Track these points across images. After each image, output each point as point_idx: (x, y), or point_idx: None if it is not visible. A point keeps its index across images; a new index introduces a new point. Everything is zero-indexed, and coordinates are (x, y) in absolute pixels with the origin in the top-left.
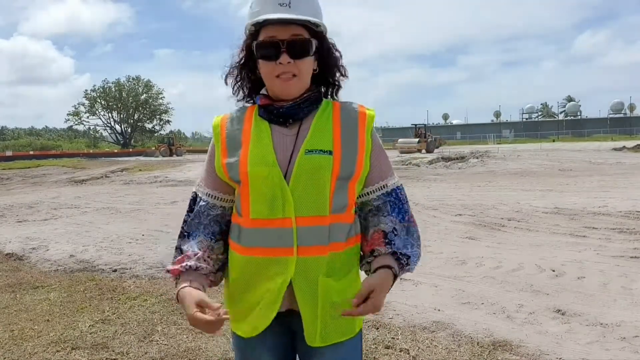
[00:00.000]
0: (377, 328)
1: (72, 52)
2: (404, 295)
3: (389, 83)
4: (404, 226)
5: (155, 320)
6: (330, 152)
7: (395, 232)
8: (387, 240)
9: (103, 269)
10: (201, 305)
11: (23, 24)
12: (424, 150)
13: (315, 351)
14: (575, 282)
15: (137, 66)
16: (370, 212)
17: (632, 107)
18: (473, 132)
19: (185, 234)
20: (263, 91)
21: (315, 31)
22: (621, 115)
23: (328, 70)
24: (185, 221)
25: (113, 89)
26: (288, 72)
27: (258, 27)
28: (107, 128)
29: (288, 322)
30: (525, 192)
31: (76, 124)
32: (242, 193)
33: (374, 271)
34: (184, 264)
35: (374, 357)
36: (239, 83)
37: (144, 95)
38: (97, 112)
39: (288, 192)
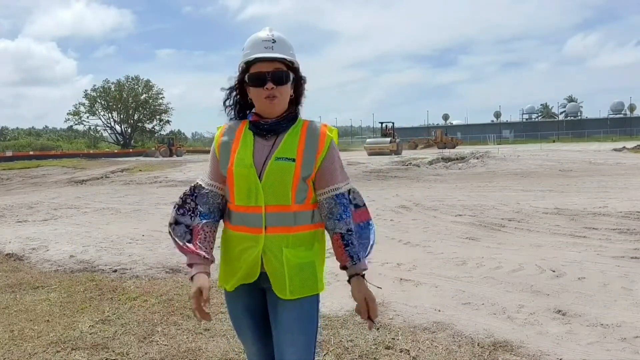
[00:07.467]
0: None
1: (75, 54)
2: (404, 295)
3: (388, 83)
4: (356, 224)
5: (156, 321)
6: (294, 160)
7: (350, 232)
8: (345, 242)
9: (103, 270)
10: (201, 292)
11: (28, 26)
12: (393, 153)
13: (282, 304)
14: (575, 283)
15: (139, 67)
16: (326, 216)
17: (632, 108)
18: (473, 132)
19: (191, 208)
20: (254, 111)
21: (291, 67)
22: (621, 115)
23: (299, 94)
24: (187, 194)
25: (113, 89)
26: (272, 95)
27: (249, 64)
28: (107, 128)
29: (259, 282)
30: (525, 193)
31: (76, 124)
32: (229, 185)
33: (350, 278)
34: (199, 253)
35: (375, 358)
36: (230, 106)
37: (144, 95)
38: (97, 112)
39: (260, 187)
